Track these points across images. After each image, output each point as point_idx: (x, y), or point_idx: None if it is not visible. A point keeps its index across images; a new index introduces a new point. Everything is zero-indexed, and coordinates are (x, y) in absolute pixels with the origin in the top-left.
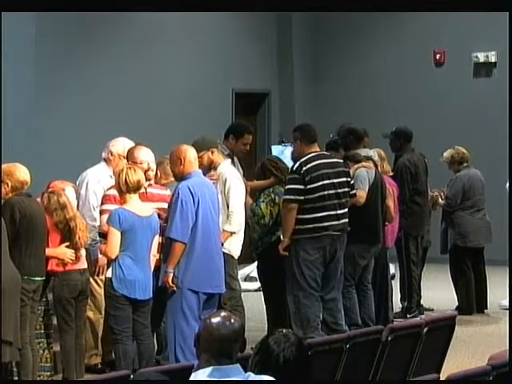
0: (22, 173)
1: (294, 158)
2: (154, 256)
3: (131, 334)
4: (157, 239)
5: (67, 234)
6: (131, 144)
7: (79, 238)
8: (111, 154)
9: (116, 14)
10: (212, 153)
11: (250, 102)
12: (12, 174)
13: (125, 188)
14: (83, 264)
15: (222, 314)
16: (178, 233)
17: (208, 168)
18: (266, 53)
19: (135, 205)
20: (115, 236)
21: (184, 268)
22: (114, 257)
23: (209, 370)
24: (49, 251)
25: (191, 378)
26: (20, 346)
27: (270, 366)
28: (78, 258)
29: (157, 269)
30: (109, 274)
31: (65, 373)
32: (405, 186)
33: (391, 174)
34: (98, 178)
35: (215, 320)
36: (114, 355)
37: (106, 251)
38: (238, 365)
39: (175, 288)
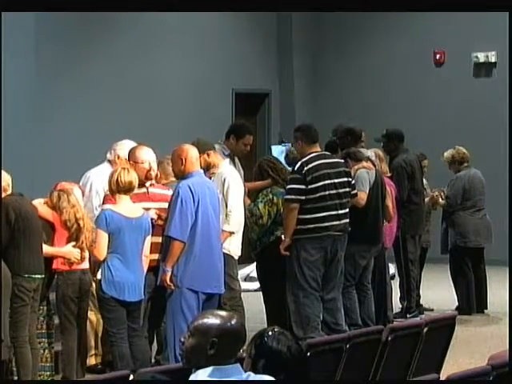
0: (4, 174)
1: (289, 161)
2: (145, 257)
3: (126, 335)
4: (148, 240)
5: (75, 233)
6: None
7: (85, 238)
8: (118, 158)
9: (116, 14)
10: (208, 155)
11: (250, 101)
12: (1, 177)
13: (115, 188)
14: (86, 264)
15: (227, 314)
16: (177, 231)
17: (206, 170)
18: (266, 53)
19: (124, 206)
20: (102, 237)
21: (183, 267)
22: (102, 258)
23: (209, 369)
24: (55, 250)
25: (191, 378)
26: (9, 343)
27: (281, 367)
28: (82, 258)
29: (152, 269)
30: (99, 275)
31: (66, 372)
32: (403, 186)
33: (389, 174)
34: (102, 179)
35: (232, 321)
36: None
37: (94, 253)
38: (238, 364)
39: (173, 287)
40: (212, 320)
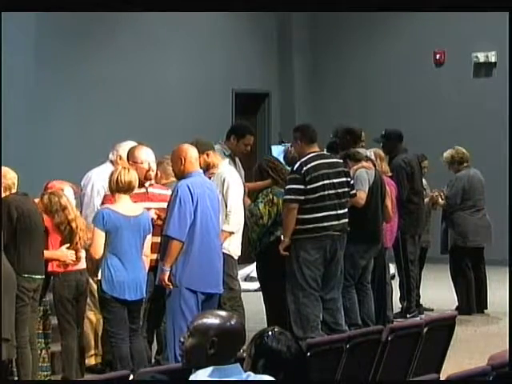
0: (11, 172)
1: (287, 161)
2: (146, 256)
3: (127, 336)
4: (149, 239)
5: (68, 235)
6: None
7: (79, 239)
8: (120, 159)
9: (116, 13)
10: (207, 155)
11: (250, 101)
12: (5, 175)
13: (115, 187)
14: (83, 264)
15: (227, 313)
16: (175, 231)
17: (206, 170)
18: (266, 53)
19: (123, 205)
20: (99, 236)
21: (182, 267)
22: (97, 257)
23: (209, 369)
24: (49, 253)
25: (191, 378)
26: (15, 343)
27: (281, 367)
28: (78, 259)
29: (152, 269)
30: (99, 276)
31: (66, 372)
32: (402, 186)
33: (390, 174)
34: (103, 179)
35: (232, 321)
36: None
37: (90, 251)
38: (238, 364)
39: (171, 286)
40: (211, 320)
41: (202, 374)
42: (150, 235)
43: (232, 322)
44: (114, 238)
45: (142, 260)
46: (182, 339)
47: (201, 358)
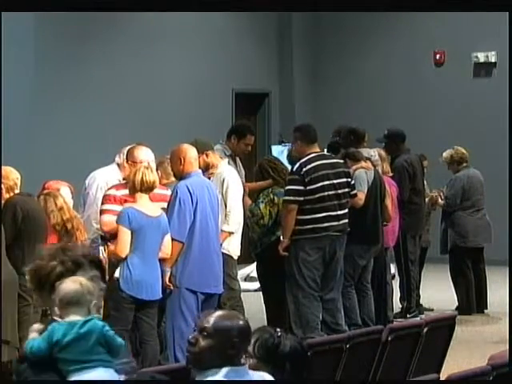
0: (13, 172)
1: (291, 160)
2: (166, 255)
3: (128, 335)
4: (169, 239)
5: (65, 236)
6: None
7: (76, 239)
8: (126, 162)
9: (116, 14)
10: (207, 155)
11: (250, 101)
12: (7, 175)
13: (139, 187)
14: None
15: (235, 312)
16: (175, 232)
17: (205, 170)
18: (266, 53)
19: (145, 205)
20: (125, 234)
21: (182, 267)
22: (124, 255)
23: (224, 370)
24: None
25: (198, 378)
26: (18, 344)
27: (304, 364)
28: None
29: None
30: (117, 274)
31: None
32: (404, 187)
33: (391, 174)
34: (108, 181)
35: (246, 321)
36: None
37: (115, 250)
38: (247, 365)
39: (172, 287)
40: (231, 320)
41: (214, 374)
42: (169, 235)
43: (247, 322)
44: (137, 237)
45: (158, 259)
46: (192, 340)
47: (217, 358)
